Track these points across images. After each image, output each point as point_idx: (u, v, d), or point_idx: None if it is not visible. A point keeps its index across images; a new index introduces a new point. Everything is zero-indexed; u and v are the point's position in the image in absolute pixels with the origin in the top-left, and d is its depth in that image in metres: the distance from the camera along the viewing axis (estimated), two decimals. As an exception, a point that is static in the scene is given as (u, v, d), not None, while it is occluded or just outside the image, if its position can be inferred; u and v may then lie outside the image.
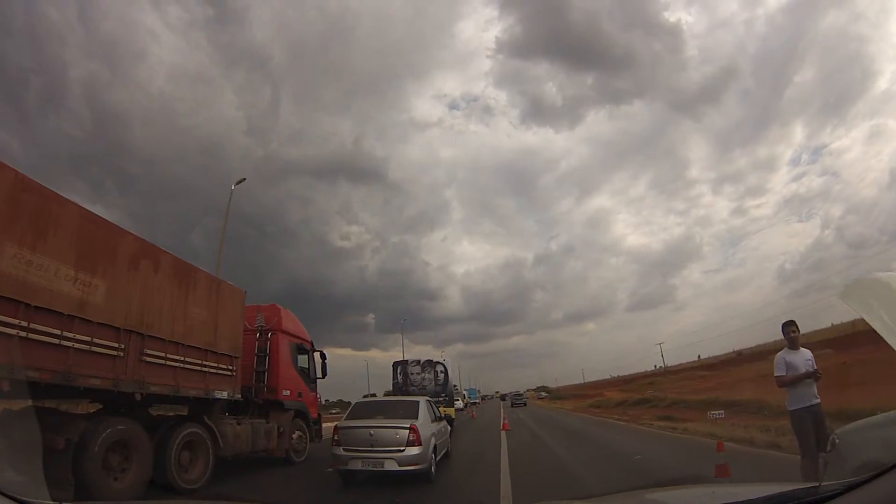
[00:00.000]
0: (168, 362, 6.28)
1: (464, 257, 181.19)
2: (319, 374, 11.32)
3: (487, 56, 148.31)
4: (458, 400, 35.00)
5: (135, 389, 5.72)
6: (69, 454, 4.88)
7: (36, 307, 4.56)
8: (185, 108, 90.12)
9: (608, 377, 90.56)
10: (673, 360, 73.60)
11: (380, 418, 7.18)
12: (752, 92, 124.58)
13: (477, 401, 70.14)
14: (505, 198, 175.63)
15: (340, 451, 6.74)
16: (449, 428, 10.27)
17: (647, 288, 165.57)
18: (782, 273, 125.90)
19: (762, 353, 38.18)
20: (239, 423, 8.05)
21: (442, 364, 18.49)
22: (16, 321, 4.37)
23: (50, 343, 4.68)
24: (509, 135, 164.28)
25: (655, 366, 77.33)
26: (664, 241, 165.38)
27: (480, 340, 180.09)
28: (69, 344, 4.87)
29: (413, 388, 17.53)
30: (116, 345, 5.44)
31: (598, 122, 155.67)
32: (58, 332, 4.76)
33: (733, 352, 50.91)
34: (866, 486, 1.37)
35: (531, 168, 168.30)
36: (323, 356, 11.48)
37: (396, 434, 6.66)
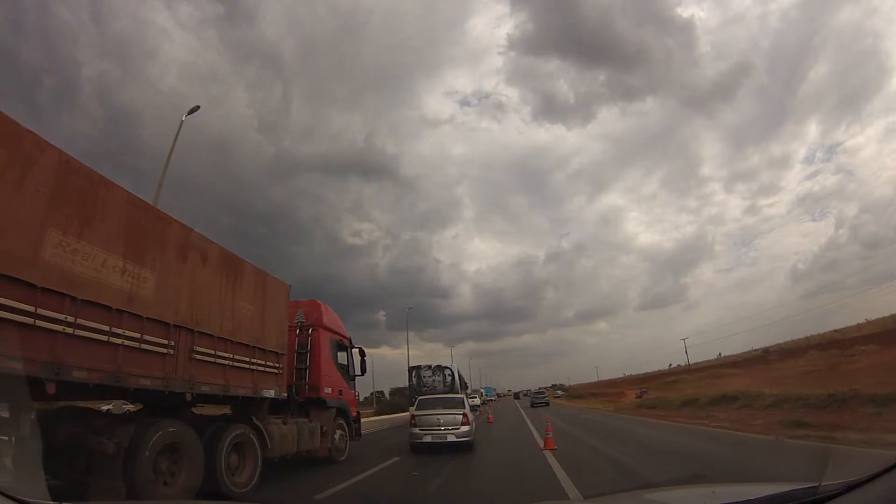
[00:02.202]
0: (217, 360, 5.87)
1: (475, 255, 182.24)
2: (358, 371, 11.03)
3: (499, 53, 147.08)
4: (474, 398, 35.52)
5: (186, 389, 5.34)
6: (120, 458, 4.53)
7: (83, 301, 4.16)
8: (197, 105, 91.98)
9: (622, 375, 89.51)
10: (684, 358, 71.80)
11: (440, 408, 10.86)
12: (765, 88, 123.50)
13: (493, 398, 72.18)
14: (517, 195, 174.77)
15: (417, 430, 10.48)
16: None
17: (658, 287, 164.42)
18: (795, 273, 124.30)
19: (792, 351, 37.47)
20: (285, 423, 7.68)
21: (449, 368, 22.17)
22: (61, 316, 3.98)
23: (98, 340, 4.29)
24: (521, 132, 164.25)
25: (670, 364, 75.70)
26: (676, 239, 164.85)
27: (491, 338, 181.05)
28: (118, 341, 4.47)
29: (425, 388, 20.37)
30: (166, 342, 5.05)
31: (610, 120, 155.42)
32: (106, 328, 4.36)
33: (760, 349, 49.47)
34: (866, 486, 1.38)
35: (543, 165, 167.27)
36: (362, 353, 11.20)
37: (454, 418, 10.51)
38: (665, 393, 33.55)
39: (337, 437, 9.38)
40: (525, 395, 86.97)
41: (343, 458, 9.48)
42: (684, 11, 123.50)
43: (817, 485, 1.53)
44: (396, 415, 26.61)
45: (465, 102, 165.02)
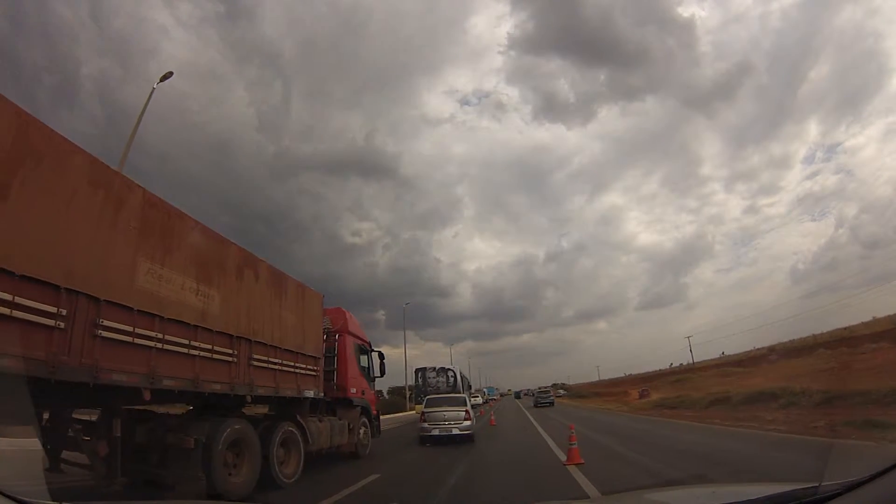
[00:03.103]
0: (270, 365, 6.58)
1: (475, 254, 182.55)
2: (377, 373, 11.82)
3: (499, 52, 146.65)
4: (476, 397, 36.85)
5: (246, 392, 6.05)
6: (198, 452, 5.23)
7: (168, 319, 4.85)
8: (197, 104, 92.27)
9: (622, 375, 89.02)
10: (685, 358, 71.94)
11: (445, 406, 12.69)
12: (766, 88, 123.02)
13: (496, 397, 73.48)
14: (517, 194, 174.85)
15: (426, 425, 12.30)
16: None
17: (658, 286, 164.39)
18: (795, 273, 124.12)
19: (798, 349, 37.05)
20: (320, 421, 8.39)
21: (452, 370, 24.51)
22: (153, 333, 4.68)
23: (181, 353, 4.99)
24: (521, 131, 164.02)
25: (671, 364, 75.27)
26: (676, 239, 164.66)
27: (491, 338, 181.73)
28: (196, 353, 5.18)
29: (430, 388, 22.47)
30: (231, 351, 5.75)
31: (610, 119, 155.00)
32: (186, 341, 5.06)
33: (765, 348, 49.26)
34: (866, 486, 1.37)
35: (543, 165, 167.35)
36: (381, 356, 12.00)
37: (457, 414, 12.29)
38: (671, 392, 32.42)
39: (361, 433, 10.11)
40: (526, 394, 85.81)
41: (366, 452, 10.23)
42: (685, 11, 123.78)
43: (818, 485, 1.53)
44: (395, 414, 26.72)
45: (465, 101, 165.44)
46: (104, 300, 4.20)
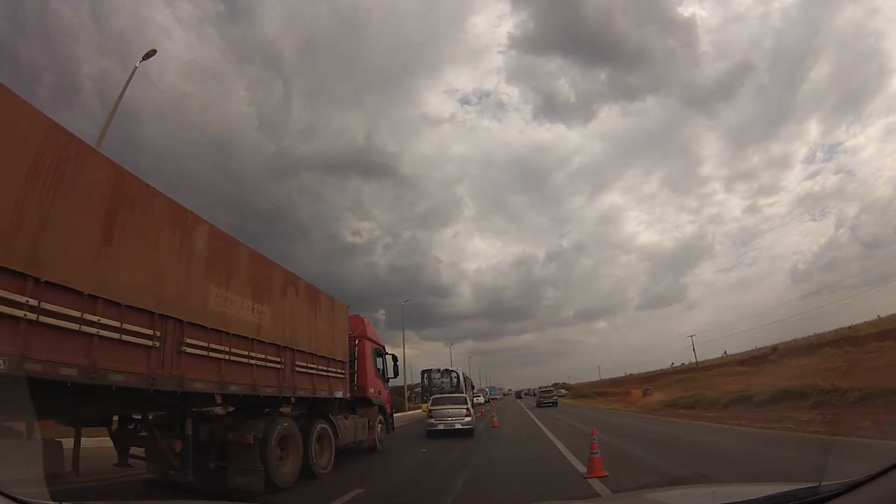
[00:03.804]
0: (308, 370, 7.44)
1: (475, 254, 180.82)
2: (391, 374, 12.81)
3: (500, 51, 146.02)
4: (478, 397, 38.32)
5: (290, 394, 6.91)
6: (256, 447, 6.07)
7: (233, 335, 5.70)
8: (197, 103, 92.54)
9: (623, 374, 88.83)
10: (686, 357, 71.44)
11: (449, 405, 14.82)
12: (766, 88, 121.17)
13: (498, 396, 74.12)
14: (517, 194, 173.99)
15: (432, 420, 14.38)
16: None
17: (658, 286, 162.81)
18: (795, 273, 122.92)
19: (802, 349, 36.58)
20: (346, 419, 9.27)
21: (455, 371, 26.86)
22: (223, 347, 5.52)
23: (243, 362, 5.84)
24: (521, 131, 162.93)
25: (672, 363, 74.71)
26: (676, 238, 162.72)
27: (491, 337, 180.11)
28: (254, 362, 6.02)
29: (435, 388, 24.01)
30: (279, 359, 6.60)
31: (611, 119, 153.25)
32: (246, 352, 5.91)
33: (768, 347, 48.22)
34: (866, 485, 1.37)
35: (543, 164, 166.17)
36: (395, 359, 13.02)
37: (459, 411, 14.31)
38: (677, 392, 31.20)
39: (379, 430, 11.04)
40: (527, 394, 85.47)
41: (383, 447, 11.13)
42: (685, 10, 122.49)
43: (817, 485, 1.53)
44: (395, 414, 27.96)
45: (465, 101, 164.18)
46: (186, 322, 5.04)
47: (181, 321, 4.98)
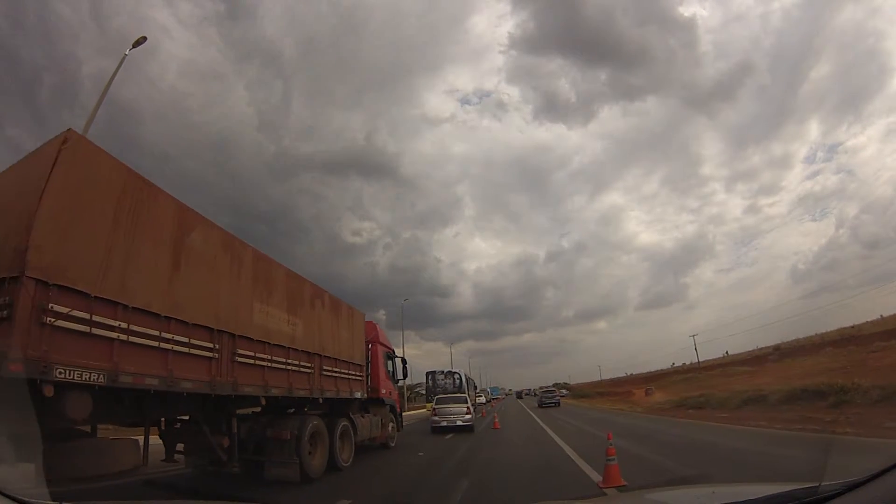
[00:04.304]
0: (333, 373, 8.23)
1: (476, 254, 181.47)
2: (400, 376, 13.74)
3: (500, 51, 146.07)
4: (480, 396, 39.64)
5: (319, 395, 7.71)
6: (292, 443, 6.85)
7: (273, 344, 6.47)
8: (197, 103, 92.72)
9: (623, 374, 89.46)
10: (687, 357, 72.03)
11: (451, 403, 16.85)
12: (767, 88, 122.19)
13: (501, 396, 74.83)
14: (517, 194, 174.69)
15: (436, 418, 16.37)
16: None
17: (658, 286, 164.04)
18: (795, 273, 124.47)
19: (804, 348, 36.40)
20: (363, 417, 10.07)
21: (458, 373, 29.15)
22: (265, 356, 6.29)
23: (281, 368, 6.61)
24: (522, 131, 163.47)
25: (673, 363, 75.28)
26: (676, 238, 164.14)
27: (491, 337, 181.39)
28: (290, 368, 6.80)
29: (439, 389, 25.90)
30: (310, 365, 7.38)
31: (611, 119, 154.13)
32: (284, 360, 6.68)
33: (770, 347, 48.77)
34: (866, 486, 1.36)
35: (544, 164, 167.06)
36: (404, 361, 13.93)
37: (460, 409, 16.33)
38: (680, 391, 30.66)
39: (390, 427, 11.88)
40: (527, 394, 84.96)
41: (394, 444, 11.99)
42: (686, 10, 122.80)
43: (817, 485, 1.52)
44: None
45: (465, 101, 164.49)
46: (238, 335, 5.80)
47: (233, 335, 5.74)
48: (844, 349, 28.35)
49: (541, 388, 67.25)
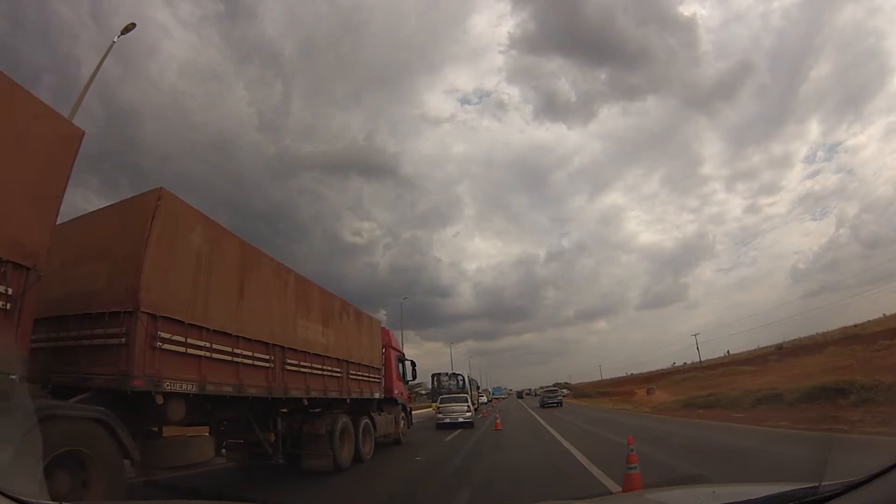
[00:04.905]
0: (357, 377, 9.36)
1: (476, 253, 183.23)
2: (410, 377, 14.93)
3: (500, 51, 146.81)
4: (482, 396, 41.52)
5: (346, 396, 8.82)
6: (326, 438, 7.95)
7: (312, 353, 7.56)
8: (197, 104, 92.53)
9: (624, 374, 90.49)
10: (687, 357, 72.89)
11: (453, 402, 19.24)
12: (767, 88, 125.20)
13: (504, 395, 75.49)
14: (517, 194, 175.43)
15: (440, 415, 18.63)
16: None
17: (659, 286, 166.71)
18: (795, 272, 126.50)
19: (807, 347, 36.53)
20: (380, 415, 11.21)
21: (461, 375, 32.35)
22: (307, 364, 7.39)
23: (318, 374, 7.72)
24: (522, 130, 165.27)
25: (674, 363, 75.65)
26: (676, 238, 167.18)
27: (491, 337, 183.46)
28: (325, 373, 7.91)
29: (443, 389, 28.15)
30: (340, 370, 8.49)
31: (611, 119, 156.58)
32: (321, 366, 7.79)
33: (773, 346, 48.56)
34: (866, 486, 1.38)
35: (544, 164, 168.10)
36: (413, 364, 15.06)
37: (461, 407, 18.70)
38: (682, 391, 30.61)
39: (402, 425, 13.07)
40: (528, 393, 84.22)
41: (405, 440, 13.17)
42: (686, 10, 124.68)
43: (817, 485, 1.52)
44: None
45: (465, 101, 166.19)
46: (287, 347, 6.89)
47: (283, 347, 6.83)
48: (849, 348, 28.30)
49: (541, 387, 67.44)
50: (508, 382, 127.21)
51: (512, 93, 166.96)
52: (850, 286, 79.22)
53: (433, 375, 31.62)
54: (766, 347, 50.20)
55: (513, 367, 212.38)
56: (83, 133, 4.68)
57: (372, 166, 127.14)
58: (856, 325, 39.94)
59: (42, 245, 4.07)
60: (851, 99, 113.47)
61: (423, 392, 42.17)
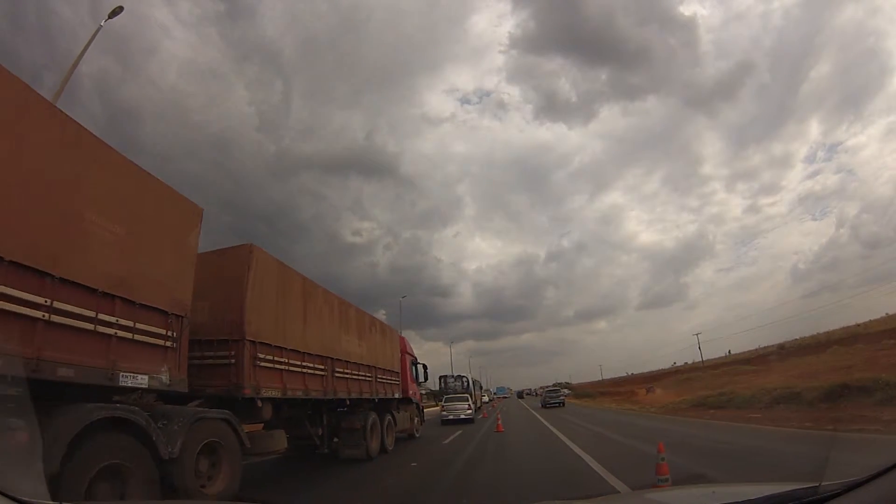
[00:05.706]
0: (383, 380, 11.16)
1: (476, 253, 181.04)
2: (422, 379, 16.87)
3: (500, 51, 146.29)
4: (484, 396, 44.35)
5: (375, 396, 10.62)
6: (361, 432, 9.72)
7: (350, 362, 9.33)
8: (197, 103, 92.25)
9: (624, 374, 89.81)
10: (688, 357, 72.43)
11: (456, 402, 22.71)
12: (767, 87, 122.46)
13: (506, 395, 76.85)
14: (517, 194, 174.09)
15: (444, 412, 22.08)
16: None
17: (659, 286, 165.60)
18: (795, 272, 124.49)
19: (810, 347, 36.10)
20: (398, 413, 13.03)
21: (465, 377, 35.87)
22: (348, 371, 9.16)
23: (355, 378, 9.50)
24: (522, 130, 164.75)
25: (674, 363, 75.52)
26: (677, 238, 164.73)
27: (491, 337, 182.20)
28: (360, 378, 9.70)
29: (449, 390, 31.14)
30: (370, 375, 10.28)
31: (611, 118, 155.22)
32: (357, 372, 9.57)
33: (774, 346, 48.48)
34: (866, 486, 1.37)
35: (544, 164, 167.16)
36: (425, 367, 17.00)
37: (463, 406, 22.17)
38: (684, 391, 29.81)
39: (416, 422, 14.93)
40: (528, 393, 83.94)
41: (419, 435, 15.00)
42: (686, 9, 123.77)
43: (817, 485, 1.52)
44: None
45: (466, 100, 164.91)
46: (335, 358, 8.65)
47: (333, 358, 8.59)
48: (852, 347, 28.18)
49: (541, 387, 68.70)
50: (508, 382, 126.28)
51: (512, 92, 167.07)
52: (851, 286, 79.30)
53: (440, 377, 34.61)
54: (768, 347, 49.95)
55: (513, 367, 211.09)
56: (202, 210, 6.32)
57: (372, 166, 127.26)
58: (858, 325, 39.94)
59: (189, 299, 5.72)
60: (851, 99, 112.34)
61: (424, 392, 43.43)
